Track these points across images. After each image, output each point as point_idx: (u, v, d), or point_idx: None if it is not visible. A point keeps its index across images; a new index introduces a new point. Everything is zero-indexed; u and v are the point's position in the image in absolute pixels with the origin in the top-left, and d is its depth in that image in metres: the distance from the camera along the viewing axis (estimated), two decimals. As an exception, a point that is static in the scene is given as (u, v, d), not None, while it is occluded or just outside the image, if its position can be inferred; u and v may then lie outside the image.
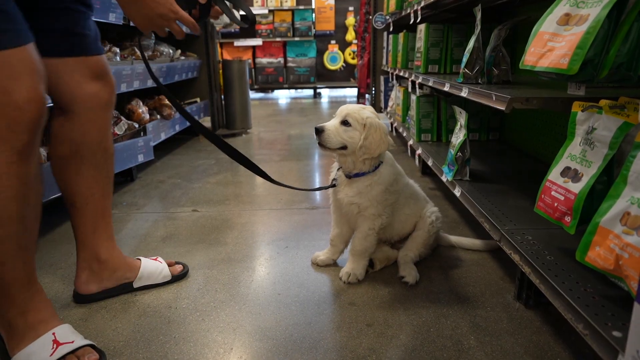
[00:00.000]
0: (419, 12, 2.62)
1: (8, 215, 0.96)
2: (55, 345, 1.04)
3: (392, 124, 3.82)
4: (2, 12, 0.91)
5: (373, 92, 5.17)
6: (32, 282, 1.06)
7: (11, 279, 1.00)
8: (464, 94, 1.66)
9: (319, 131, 1.37)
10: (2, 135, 0.91)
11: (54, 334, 1.06)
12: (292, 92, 8.42)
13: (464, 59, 1.81)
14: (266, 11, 7.39)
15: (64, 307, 1.34)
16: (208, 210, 2.18)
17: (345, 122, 1.38)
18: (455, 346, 1.15)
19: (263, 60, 7.51)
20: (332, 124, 1.38)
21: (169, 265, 1.50)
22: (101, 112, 1.27)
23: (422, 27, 2.62)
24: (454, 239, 1.73)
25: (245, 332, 1.23)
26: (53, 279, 1.51)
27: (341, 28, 7.85)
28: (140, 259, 1.44)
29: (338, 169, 1.49)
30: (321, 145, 1.38)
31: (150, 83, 2.79)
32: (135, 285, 1.41)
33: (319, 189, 1.77)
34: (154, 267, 1.45)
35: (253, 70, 7.49)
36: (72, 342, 1.06)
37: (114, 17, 2.32)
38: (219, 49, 4.81)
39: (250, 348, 1.16)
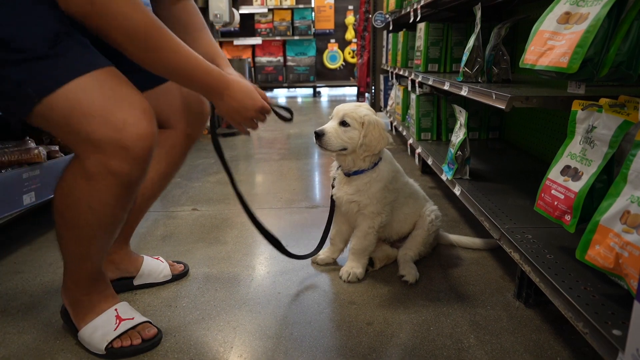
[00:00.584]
0: (419, 11, 2.61)
1: (104, 231, 1.07)
2: (118, 321, 1.14)
3: (391, 123, 3.82)
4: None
5: (373, 91, 5.17)
6: (100, 272, 1.16)
7: (88, 271, 1.12)
8: (463, 92, 1.66)
9: (320, 135, 1.37)
10: (114, 170, 0.95)
11: (116, 309, 1.15)
12: (292, 91, 8.42)
13: (464, 58, 1.81)
14: (266, 10, 7.39)
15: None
16: (208, 209, 2.18)
17: (343, 123, 1.38)
18: (455, 345, 1.15)
19: (263, 59, 7.50)
20: (331, 127, 1.38)
21: (170, 265, 1.50)
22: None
23: (422, 26, 2.61)
24: (454, 237, 1.73)
25: (245, 330, 1.23)
26: (53, 278, 1.51)
27: (341, 27, 7.84)
28: (143, 257, 1.45)
29: (337, 168, 1.49)
30: (322, 147, 1.38)
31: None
32: (136, 282, 1.41)
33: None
34: (155, 265, 1.45)
35: (253, 69, 7.48)
36: (133, 318, 1.16)
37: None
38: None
39: (251, 347, 1.16)
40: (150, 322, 1.19)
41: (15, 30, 0.89)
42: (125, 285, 1.40)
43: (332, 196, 1.51)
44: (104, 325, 1.12)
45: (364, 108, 1.41)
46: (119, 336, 1.12)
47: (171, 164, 1.33)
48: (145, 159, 0.98)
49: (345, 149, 1.38)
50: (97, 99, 0.94)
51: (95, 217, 1.02)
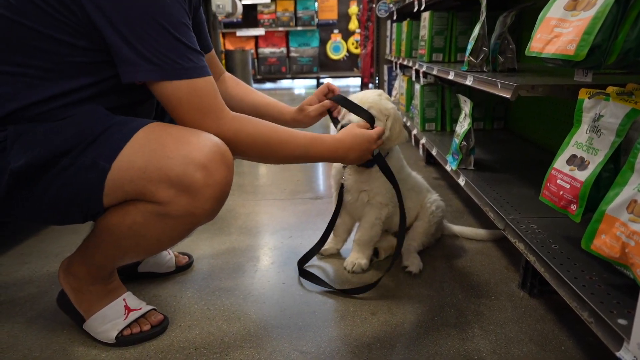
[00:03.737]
0: (423, 0, 2.58)
1: (149, 254, 1.19)
2: (127, 311, 1.16)
3: (395, 114, 3.79)
4: None
5: (376, 81, 5.14)
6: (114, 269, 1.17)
7: (107, 271, 1.13)
8: (468, 82, 1.65)
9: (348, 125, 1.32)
10: (197, 212, 0.97)
11: (124, 299, 1.17)
12: (295, 82, 8.38)
13: (469, 47, 1.79)
14: (268, 0, 7.33)
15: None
16: (212, 201, 2.18)
17: None
18: (460, 334, 1.16)
19: (266, 50, 7.46)
20: (357, 119, 1.33)
21: (175, 256, 1.51)
22: None
23: (426, 15, 2.59)
24: (458, 228, 1.73)
25: (250, 320, 1.23)
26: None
27: (344, 17, 7.77)
28: None
29: None
30: None
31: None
32: (140, 269, 1.42)
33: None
34: (162, 255, 1.46)
35: (256, 60, 7.45)
36: (140, 308, 1.18)
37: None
38: (221, 39, 4.78)
39: (256, 336, 1.17)
40: (156, 310, 1.21)
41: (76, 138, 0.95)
42: (129, 270, 1.41)
43: (341, 188, 1.49)
44: (113, 315, 1.13)
45: (386, 99, 1.39)
46: (128, 325, 1.14)
47: None
48: (225, 196, 1.00)
49: None
50: (168, 141, 0.95)
51: (158, 245, 1.06)
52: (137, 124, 0.98)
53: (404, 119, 3.19)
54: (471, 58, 1.77)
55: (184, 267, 1.51)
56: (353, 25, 7.72)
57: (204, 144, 0.95)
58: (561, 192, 1.05)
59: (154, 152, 0.94)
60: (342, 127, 1.32)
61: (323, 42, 7.81)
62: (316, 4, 7.44)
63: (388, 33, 4.36)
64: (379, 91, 1.42)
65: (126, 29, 0.90)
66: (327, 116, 1.43)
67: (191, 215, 0.97)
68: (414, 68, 2.81)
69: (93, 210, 0.98)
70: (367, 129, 1.30)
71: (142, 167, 0.93)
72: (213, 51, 1.42)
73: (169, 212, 0.96)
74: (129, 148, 0.94)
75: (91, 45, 0.94)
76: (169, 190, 0.93)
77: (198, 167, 0.93)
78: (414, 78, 2.99)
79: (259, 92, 1.47)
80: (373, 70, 5.19)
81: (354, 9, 7.65)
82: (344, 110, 1.38)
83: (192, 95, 0.97)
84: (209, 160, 0.94)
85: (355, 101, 1.35)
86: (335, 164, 1.52)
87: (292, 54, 7.52)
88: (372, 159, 1.32)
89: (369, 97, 1.37)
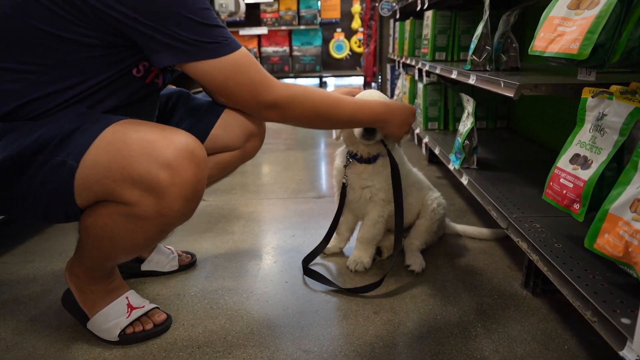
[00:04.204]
0: (426, -1, 2.58)
1: (138, 253, 1.24)
2: (129, 309, 1.16)
3: (398, 113, 3.79)
4: None
5: (379, 80, 5.13)
6: (115, 268, 1.18)
7: (106, 269, 1.13)
8: (471, 81, 1.64)
9: (372, 131, 1.31)
10: (166, 213, 0.95)
11: (127, 297, 1.17)
12: (298, 82, 8.37)
13: (472, 46, 1.78)
14: (271, -1, 7.33)
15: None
16: (215, 200, 2.19)
17: None
18: (462, 333, 1.16)
19: (268, 49, 7.46)
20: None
21: (178, 255, 1.52)
22: None
23: (429, 14, 2.58)
24: (460, 227, 1.73)
25: (253, 319, 1.24)
26: (64, 267, 1.52)
27: (347, 16, 7.76)
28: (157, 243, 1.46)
29: (349, 158, 1.45)
30: (370, 140, 1.34)
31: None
32: (143, 267, 1.43)
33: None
34: (166, 254, 1.47)
35: (258, 59, 7.45)
36: (143, 306, 1.18)
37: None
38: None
39: (259, 335, 1.17)
40: (159, 308, 1.21)
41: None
42: (132, 269, 1.41)
43: (343, 187, 1.49)
44: (116, 313, 1.14)
45: (386, 98, 1.37)
46: (131, 323, 1.14)
47: (221, 174, 1.34)
48: (197, 196, 0.98)
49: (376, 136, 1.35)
50: (133, 139, 0.93)
51: (134, 247, 1.06)
52: (107, 121, 0.95)
53: (407, 118, 3.18)
54: (474, 57, 1.77)
55: (187, 266, 1.51)
56: (356, 24, 7.70)
57: (169, 142, 0.92)
58: (564, 191, 1.05)
59: (118, 150, 0.91)
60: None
61: (326, 41, 7.81)
62: (319, 2, 7.43)
63: (391, 32, 4.35)
64: (376, 91, 1.41)
65: (152, 22, 0.91)
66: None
67: (160, 215, 0.94)
68: (416, 67, 2.80)
69: (70, 211, 0.97)
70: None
71: (106, 166, 0.91)
72: None
73: (137, 213, 0.93)
74: (95, 146, 0.91)
75: (99, 43, 0.94)
76: (133, 190, 0.91)
77: (162, 166, 0.90)
78: (416, 77, 2.98)
79: None
80: (376, 69, 5.18)
81: (356, 7, 7.63)
82: None
83: (235, 70, 1.00)
84: (174, 158, 0.91)
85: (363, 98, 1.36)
86: (336, 164, 1.53)
87: (295, 53, 7.51)
88: (376, 155, 1.34)
89: (375, 95, 1.37)
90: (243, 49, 1.02)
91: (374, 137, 1.32)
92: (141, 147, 0.91)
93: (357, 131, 1.33)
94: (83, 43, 0.94)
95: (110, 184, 0.91)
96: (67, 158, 0.92)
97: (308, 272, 1.45)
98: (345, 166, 1.46)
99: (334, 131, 1.45)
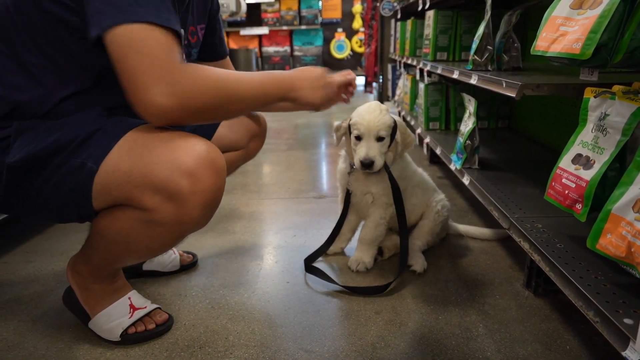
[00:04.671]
0: (428, -2, 2.58)
1: (149, 257, 1.22)
2: (132, 310, 1.16)
3: (399, 113, 3.79)
4: None
5: (380, 80, 5.12)
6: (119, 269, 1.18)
7: (112, 270, 1.14)
8: (473, 81, 1.64)
9: (369, 164, 1.32)
10: (184, 220, 0.94)
11: (129, 298, 1.17)
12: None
13: (474, 46, 1.78)
14: (272, -1, 7.33)
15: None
16: (216, 200, 2.19)
17: (379, 138, 1.35)
18: (464, 334, 1.15)
19: (269, 49, 7.47)
20: (376, 150, 1.33)
21: (180, 255, 1.52)
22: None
23: (430, 14, 2.58)
24: (462, 227, 1.72)
25: (254, 319, 1.24)
26: (65, 267, 1.53)
27: (348, 16, 7.76)
28: None
29: (353, 166, 1.44)
30: (369, 169, 1.35)
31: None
32: (145, 267, 1.43)
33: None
34: (167, 254, 1.47)
35: (259, 59, 7.45)
36: (145, 307, 1.19)
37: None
38: (225, 38, 4.80)
39: (260, 335, 1.17)
40: (160, 308, 1.22)
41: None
42: (134, 269, 1.41)
43: (347, 191, 1.49)
44: (118, 313, 1.14)
45: (385, 111, 1.36)
46: (133, 324, 1.14)
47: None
48: (215, 204, 0.97)
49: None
50: (156, 144, 0.91)
51: (148, 252, 1.06)
52: (129, 124, 0.95)
53: (408, 118, 3.18)
54: (476, 57, 1.76)
55: (188, 266, 1.51)
56: (357, 24, 7.70)
57: (192, 149, 0.91)
58: (566, 191, 1.05)
59: (140, 156, 0.90)
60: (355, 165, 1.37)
61: (327, 41, 7.81)
62: (320, 2, 7.44)
63: (392, 32, 4.35)
64: (374, 105, 1.37)
65: None
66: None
67: (179, 223, 0.93)
68: (418, 67, 2.80)
69: (84, 212, 0.97)
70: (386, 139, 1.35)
71: (127, 172, 0.90)
72: (228, 58, 1.42)
73: (156, 220, 0.92)
74: (116, 150, 0.91)
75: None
76: (154, 197, 0.90)
77: (184, 174, 0.89)
78: (418, 77, 2.98)
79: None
80: (377, 69, 5.18)
81: (358, 7, 7.64)
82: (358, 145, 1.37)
83: (136, 42, 0.81)
84: (196, 166, 0.90)
85: (363, 128, 1.33)
86: (339, 167, 1.52)
87: (296, 53, 7.52)
88: (379, 169, 1.36)
89: (372, 119, 1.33)
90: (164, 29, 0.84)
91: (372, 167, 1.34)
92: (163, 154, 0.90)
93: (357, 162, 1.35)
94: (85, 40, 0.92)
95: (131, 189, 0.91)
96: (87, 161, 0.91)
97: (310, 269, 1.45)
98: (349, 173, 1.47)
99: (334, 137, 1.44)
